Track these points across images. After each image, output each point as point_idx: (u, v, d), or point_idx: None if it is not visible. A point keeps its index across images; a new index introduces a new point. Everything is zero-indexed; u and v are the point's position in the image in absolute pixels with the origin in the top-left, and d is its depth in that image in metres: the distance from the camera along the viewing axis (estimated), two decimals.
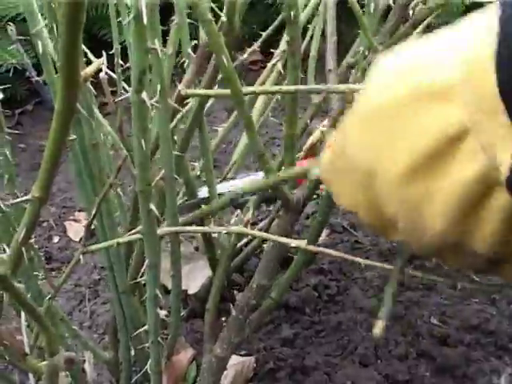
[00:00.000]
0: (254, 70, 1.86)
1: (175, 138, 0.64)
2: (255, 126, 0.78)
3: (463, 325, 0.97)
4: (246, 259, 1.05)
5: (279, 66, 0.70)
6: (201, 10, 0.46)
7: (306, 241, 0.52)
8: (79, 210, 1.36)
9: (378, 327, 0.42)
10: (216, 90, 0.54)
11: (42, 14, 0.58)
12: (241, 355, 0.90)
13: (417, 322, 0.99)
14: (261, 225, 1.11)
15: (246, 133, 0.52)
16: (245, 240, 1.04)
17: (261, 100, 0.82)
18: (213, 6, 0.53)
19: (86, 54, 0.76)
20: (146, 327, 0.62)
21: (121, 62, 0.76)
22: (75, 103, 0.33)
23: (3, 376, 0.59)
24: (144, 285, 0.67)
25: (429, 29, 0.67)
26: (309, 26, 0.82)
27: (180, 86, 0.54)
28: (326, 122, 0.67)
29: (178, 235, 0.61)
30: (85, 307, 1.09)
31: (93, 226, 0.63)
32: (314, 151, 0.70)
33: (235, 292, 1.01)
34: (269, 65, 0.77)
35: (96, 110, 0.65)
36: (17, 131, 0.74)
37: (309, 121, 0.78)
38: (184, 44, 0.65)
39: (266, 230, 0.93)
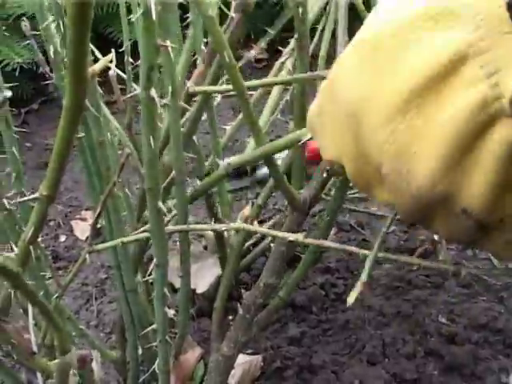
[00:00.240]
0: (258, 68, 1.86)
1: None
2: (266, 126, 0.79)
3: (471, 323, 0.97)
4: (254, 259, 1.04)
5: (288, 64, 0.69)
6: (204, 6, 0.45)
7: (303, 234, 0.51)
8: (86, 209, 1.37)
9: (352, 295, 0.41)
10: (224, 86, 0.53)
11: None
12: (248, 354, 0.90)
13: (425, 320, 0.98)
14: (270, 223, 1.11)
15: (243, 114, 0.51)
16: (253, 239, 1.03)
17: (271, 100, 0.81)
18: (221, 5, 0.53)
19: (93, 53, 0.76)
20: (153, 326, 0.62)
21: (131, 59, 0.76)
22: (84, 99, 0.33)
23: (11, 375, 0.59)
24: (151, 283, 0.67)
25: None
26: (317, 26, 0.82)
27: (189, 83, 0.54)
28: None
29: (188, 234, 0.61)
30: (92, 306, 1.09)
31: (100, 225, 0.63)
32: None
33: (242, 291, 1.01)
34: (277, 63, 0.77)
35: (104, 107, 0.65)
36: (23, 130, 0.74)
37: None
38: (197, 41, 0.64)
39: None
